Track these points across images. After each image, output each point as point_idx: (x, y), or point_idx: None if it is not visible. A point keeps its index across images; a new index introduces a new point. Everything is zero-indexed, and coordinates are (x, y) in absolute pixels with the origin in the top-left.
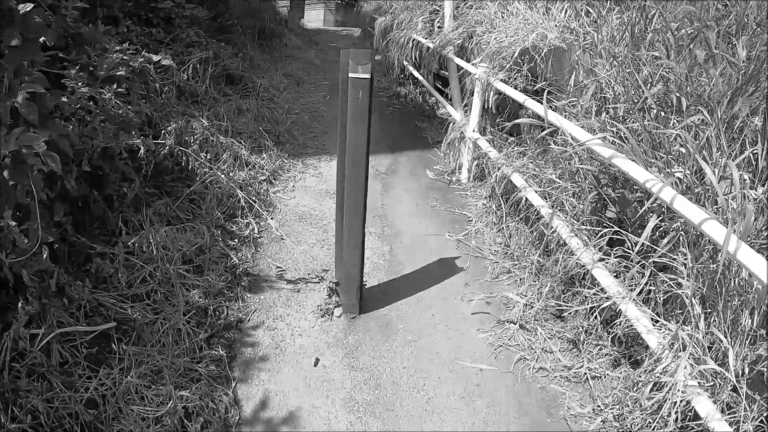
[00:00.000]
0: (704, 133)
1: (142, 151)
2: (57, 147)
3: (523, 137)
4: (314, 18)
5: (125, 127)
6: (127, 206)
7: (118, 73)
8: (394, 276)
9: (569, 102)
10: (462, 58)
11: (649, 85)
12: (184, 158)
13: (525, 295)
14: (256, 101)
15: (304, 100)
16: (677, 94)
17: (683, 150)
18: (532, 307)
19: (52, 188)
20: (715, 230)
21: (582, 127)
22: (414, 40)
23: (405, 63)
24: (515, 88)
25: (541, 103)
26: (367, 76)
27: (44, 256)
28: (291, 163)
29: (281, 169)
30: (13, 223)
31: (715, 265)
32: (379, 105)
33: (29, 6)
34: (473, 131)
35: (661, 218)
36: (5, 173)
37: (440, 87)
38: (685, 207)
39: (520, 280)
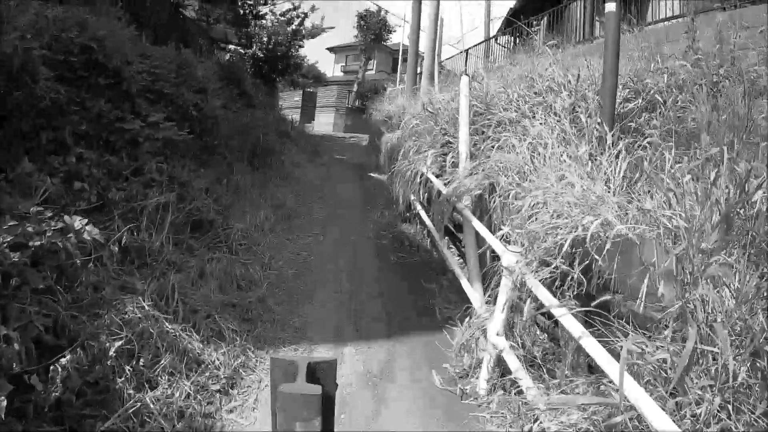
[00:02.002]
0: None
1: None
2: None
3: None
4: (324, 122)
5: None
6: None
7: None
8: None
9: (651, 337)
10: (482, 217)
11: None
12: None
13: None
14: (228, 254)
15: (291, 246)
16: None
17: None
18: None
19: None
20: None
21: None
22: (423, 175)
23: (412, 198)
24: (561, 291)
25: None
26: None
27: None
28: (258, 358)
29: (244, 368)
30: None
31: None
32: (382, 251)
33: None
34: (497, 335)
35: None
36: None
37: (452, 229)
38: None
39: None
